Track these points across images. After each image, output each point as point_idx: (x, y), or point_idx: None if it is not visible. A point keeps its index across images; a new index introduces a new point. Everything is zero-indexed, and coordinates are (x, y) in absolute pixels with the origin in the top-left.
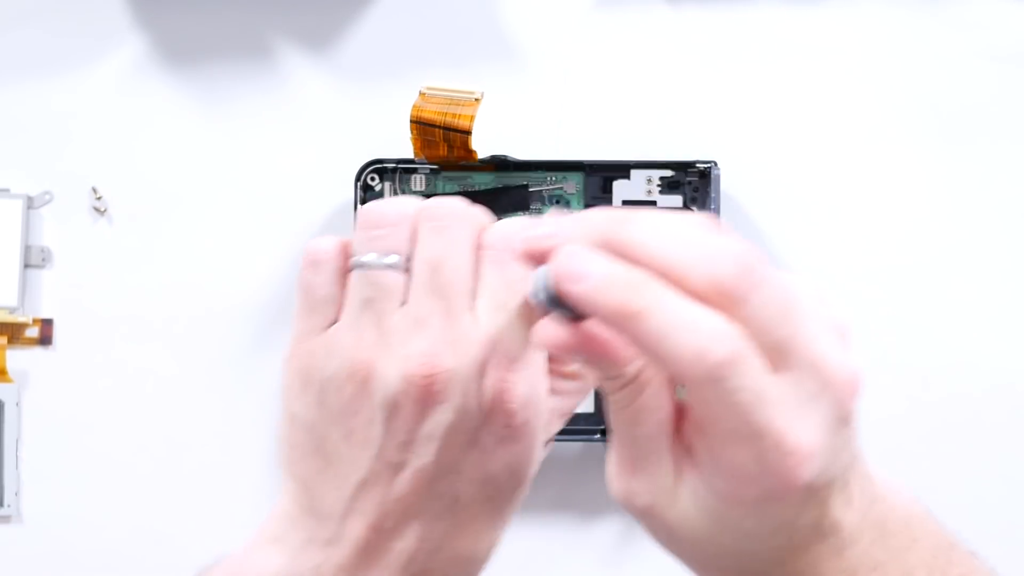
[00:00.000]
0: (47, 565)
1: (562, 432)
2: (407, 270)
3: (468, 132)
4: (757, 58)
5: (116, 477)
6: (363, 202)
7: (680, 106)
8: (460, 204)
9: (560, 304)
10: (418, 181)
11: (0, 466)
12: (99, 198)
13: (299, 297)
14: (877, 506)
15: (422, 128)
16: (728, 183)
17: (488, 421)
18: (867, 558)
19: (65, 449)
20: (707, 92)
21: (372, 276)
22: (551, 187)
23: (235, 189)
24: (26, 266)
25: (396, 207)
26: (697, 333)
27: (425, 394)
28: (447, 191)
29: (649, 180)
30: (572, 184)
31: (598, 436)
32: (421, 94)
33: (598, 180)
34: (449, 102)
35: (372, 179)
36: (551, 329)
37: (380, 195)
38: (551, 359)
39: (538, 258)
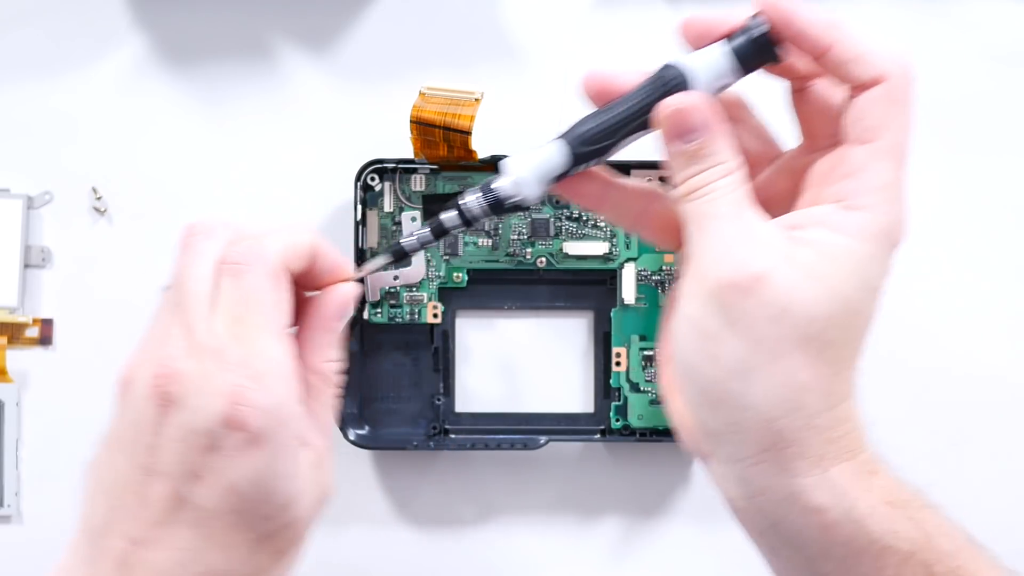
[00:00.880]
0: (47, 565)
1: (562, 432)
2: None
3: (468, 132)
4: None
5: None
6: (363, 202)
7: None
8: (212, 220)
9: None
10: (418, 181)
11: (0, 466)
12: (99, 198)
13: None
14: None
15: (422, 128)
16: None
17: (226, 425)
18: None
19: (65, 449)
20: None
21: (164, 293)
22: None
23: (235, 189)
24: (26, 266)
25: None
26: (879, 46)
27: (162, 396)
28: (447, 191)
29: (649, 180)
30: None
31: (598, 436)
32: (421, 94)
33: None
34: (449, 102)
35: (372, 179)
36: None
37: (380, 195)
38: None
39: (701, 35)
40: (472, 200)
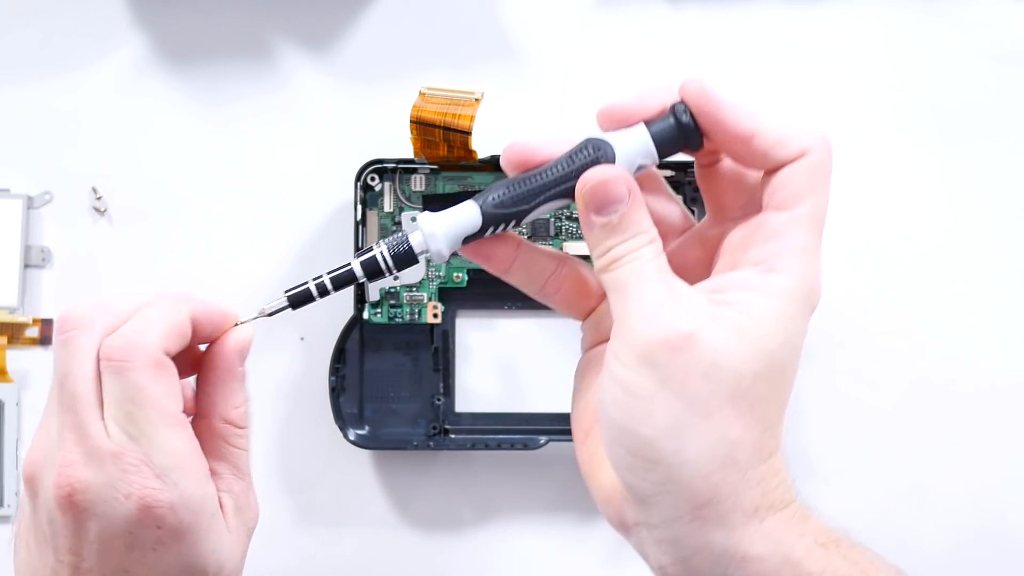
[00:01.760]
0: None
1: (562, 432)
2: None
3: (468, 132)
4: (757, 58)
5: None
6: (363, 202)
7: None
8: (85, 308)
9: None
10: (418, 181)
11: (0, 466)
12: (99, 198)
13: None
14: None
15: (422, 128)
16: None
17: (139, 525)
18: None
19: None
20: None
21: (51, 392)
22: None
23: (235, 189)
24: (26, 266)
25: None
26: (784, 128)
27: (70, 504)
28: (447, 191)
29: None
30: None
31: None
32: (421, 94)
33: None
34: (449, 102)
35: (372, 179)
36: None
37: (380, 195)
38: None
39: (621, 120)
40: (379, 252)
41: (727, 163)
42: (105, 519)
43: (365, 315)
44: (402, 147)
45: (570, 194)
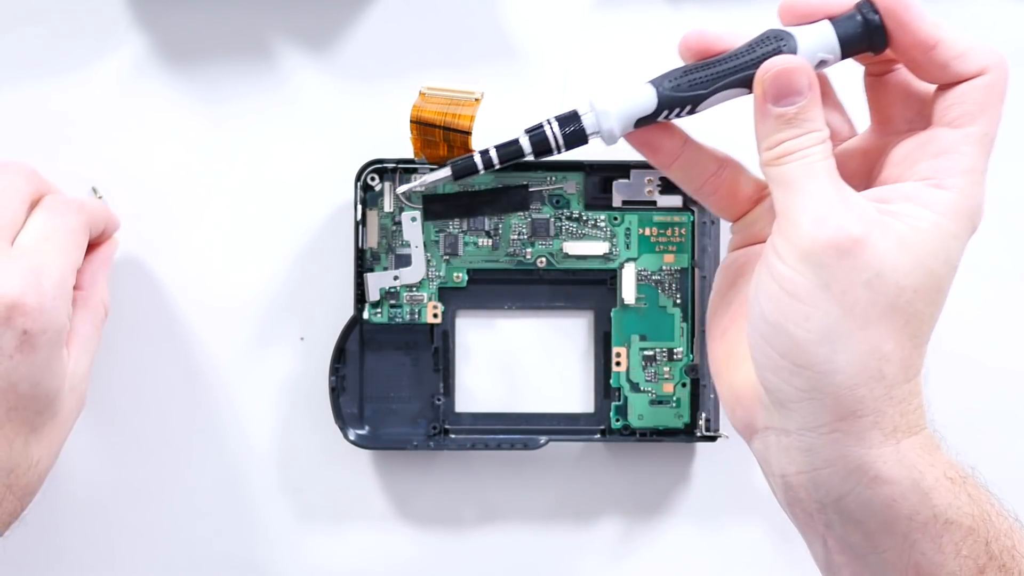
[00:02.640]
0: (47, 564)
1: (562, 432)
2: None
3: (468, 132)
4: None
5: (115, 477)
6: (363, 202)
7: None
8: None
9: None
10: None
11: None
12: (99, 198)
13: None
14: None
15: (422, 128)
16: None
17: (4, 323)
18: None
19: (64, 449)
20: None
21: None
22: (551, 187)
23: (235, 189)
24: None
25: None
26: (972, 41)
27: None
28: (447, 191)
29: (649, 180)
30: (572, 184)
31: (598, 436)
32: (421, 94)
33: (598, 180)
34: (449, 102)
35: (372, 179)
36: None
37: (380, 195)
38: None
39: (805, 16)
40: (548, 127)
41: (899, 74)
42: None
43: (365, 315)
44: (402, 147)
45: (749, 83)
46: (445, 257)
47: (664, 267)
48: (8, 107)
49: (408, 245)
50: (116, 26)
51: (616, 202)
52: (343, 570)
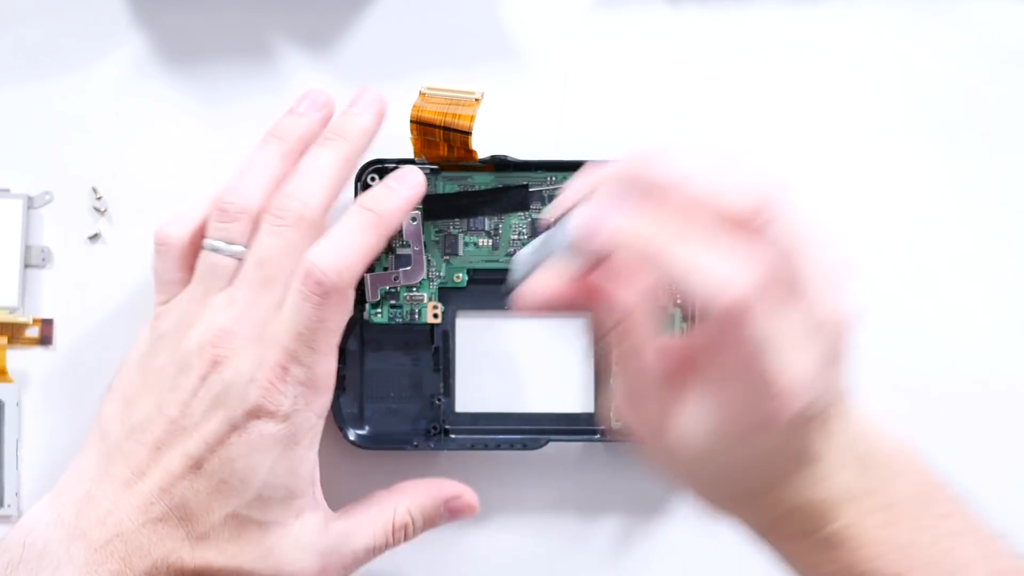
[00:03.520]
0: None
1: (562, 432)
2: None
3: (468, 132)
4: (757, 58)
5: None
6: None
7: (680, 106)
8: (305, 201)
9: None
10: None
11: (0, 466)
12: (99, 198)
13: (153, 277)
14: (861, 441)
15: (422, 128)
16: None
17: (249, 416)
18: (846, 489)
19: (65, 449)
20: (707, 92)
21: (212, 259)
22: (551, 187)
23: None
24: (26, 266)
25: (243, 199)
26: (711, 277)
27: (210, 357)
28: (447, 191)
29: None
30: None
31: (598, 436)
32: (421, 94)
33: None
34: (449, 102)
35: (372, 179)
36: (550, 282)
37: None
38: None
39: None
40: None
41: None
42: (232, 375)
43: (365, 315)
44: (402, 147)
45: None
46: (445, 257)
47: None
48: (8, 107)
49: (408, 245)
50: (116, 26)
51: None
52: None
